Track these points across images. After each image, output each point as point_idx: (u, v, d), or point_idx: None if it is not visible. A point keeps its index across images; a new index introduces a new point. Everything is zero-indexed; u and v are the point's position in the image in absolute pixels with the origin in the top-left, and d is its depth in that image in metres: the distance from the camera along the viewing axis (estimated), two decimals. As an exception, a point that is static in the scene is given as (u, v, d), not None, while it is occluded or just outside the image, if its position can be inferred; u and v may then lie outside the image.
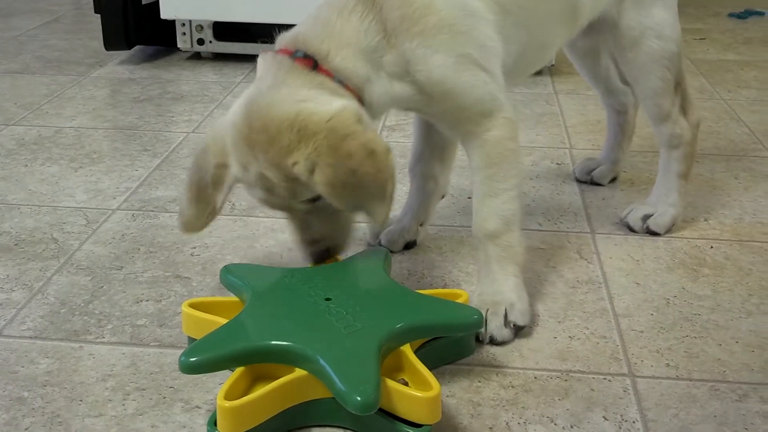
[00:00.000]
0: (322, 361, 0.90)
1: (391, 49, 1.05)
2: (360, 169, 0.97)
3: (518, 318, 1.11)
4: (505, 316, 1.10)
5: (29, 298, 1.21)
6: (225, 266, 1.11)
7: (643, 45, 1.32)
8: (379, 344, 0.93)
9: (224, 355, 0.93)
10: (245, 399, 0.88)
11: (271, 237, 1.40)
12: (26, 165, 1.69)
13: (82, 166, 1.69)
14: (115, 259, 1.32)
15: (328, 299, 1.02)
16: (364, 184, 0.98)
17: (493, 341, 1.10)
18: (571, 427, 0.96)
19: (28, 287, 1.24)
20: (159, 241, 1.38)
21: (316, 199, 1.04)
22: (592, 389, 1.02)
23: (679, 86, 1.37)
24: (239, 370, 0.92)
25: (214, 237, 1.39)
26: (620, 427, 0.96)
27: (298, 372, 0.92)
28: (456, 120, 1.12)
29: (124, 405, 0.98)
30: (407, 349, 0.96)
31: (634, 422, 0.97)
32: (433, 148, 1.31)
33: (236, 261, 1.31)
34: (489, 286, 1.13)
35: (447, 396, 1.00)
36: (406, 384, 0.93)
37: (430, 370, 0.98)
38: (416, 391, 0.89)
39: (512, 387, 1.03)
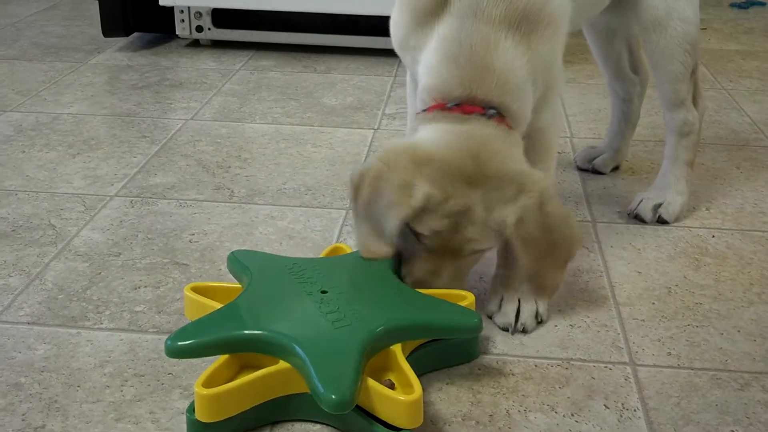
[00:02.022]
0: (303, 355, 0.89)
1: (534, 64, 1.08)
2: (557, 230, 1.06)
3: (544, 312, 1.15)
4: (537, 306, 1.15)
5: (27, 284, 1.20)
6: (232, 252, 1.11)
7: (668, 27, 1.33)
8: (364, 342, 0.91)
9: (208, 342, 0.92)
10: (222, 387, 0.87)
11: (270, 224, 1.39)
12: (24, 151, 1.68)
13: (80, 152, 1.68)
14: (113, 246, 1.31)
15: (324, 291, 1.01)
16: (555, 245, 1.06)
17: (524, 331, 1.12)
18: (572, 415, 0.95)
19: (26, 273, 1.23)
20: (157, 227, 1.37)
21: (476, 251, 1.08)
22: (592, 377, 1.02)
23: (694, 74, 1.38)
24: (223, 357, 0.91)
25: (212, 224, 1.38)
26: (621, 416, 0.95)
27: (282, 365, 0.91)
28: (542, 115, 1.16)
29: (122, 391, 0.98)
30: (397, 349, 0.94)
31: (635, 410, 0.96)
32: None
33: (235, 248, 1.30)
34: None
35: (447, 383, 1.00)
36: (392, 385, 0.91)
37: (428, 372, 0.99)
38: (396, 393, 0.88)
39: (513, 375, 1.02)
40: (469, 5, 1.06)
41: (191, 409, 0.89)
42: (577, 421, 0.94)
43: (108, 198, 1.48)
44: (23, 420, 0.93)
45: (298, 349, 0.90)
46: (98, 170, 1.59)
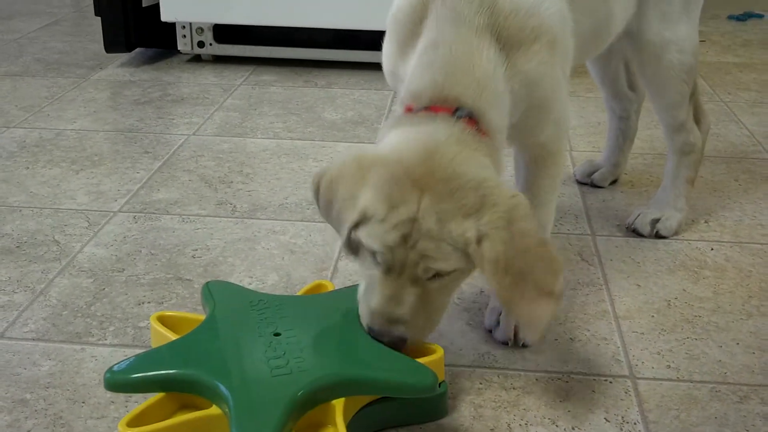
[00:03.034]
0: (231, 402, 0.86)
1: (517, 79, 1.01)
2: (533, 251, 0.91)
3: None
4: None
5: (31, 300, 1.21)
6: (206, 282, 1.08)
7: (663, 59, 1.32)
8: (297, 395, 0.87)
9: (145, 378, 0.90)
10: (146, 428, 0.85)
11: (272, 239, 1.40)
12: (27, 167, 1.69)
13: (84, 168, 1.69)
14: (117, 262, 1.32)
15: (277, 334, 0.96)
16: (533, 270, 0.91)
17: (524, 345, 1.11)
18: (573, 428, 0.96)
19: (30, 289, 1.24)
20: (160, 243, 1.38)
21: (440, 274, 0.93)
22: (593, 391, 1.03)
23: (693, 96, 1.39)
24: (159, 395, 0.90)
25: (215, 239, 1.39)
26: (621, 429, 0.96)
27: (213, 410, 0.88)
28: (541, 133, 1.10)
29: (126, 407, 0.98)
30: (338, 404, 0.89)
31: (635, 424, 0.97)
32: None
33: (237, 263, 1.32)
34: None
35: (449, 397, 1.00)
36: None
37: (382, 428, 0.94)
38: None
39: (514, 389, 1.03)
40: (449, 13, 1.01)
41: None
42: (577, 435, 0.95)
43: (111, 214, 1.49)
44: (29, 436, 0.94)
45: (226, 394, 0.87)
46: (101, 186, 1.60)
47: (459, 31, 0.99)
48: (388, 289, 0.94)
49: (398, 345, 0.95)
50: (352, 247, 0.96)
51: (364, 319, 0.97)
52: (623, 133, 1.59)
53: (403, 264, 0.92)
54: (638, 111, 1.59)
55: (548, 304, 0.92)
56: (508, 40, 1.00)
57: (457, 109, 0.96)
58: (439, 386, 0.95)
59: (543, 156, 1.12)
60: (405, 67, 1.05)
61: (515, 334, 1.11)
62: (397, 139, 0.96)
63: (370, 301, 0.96)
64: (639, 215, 1.43)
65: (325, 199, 0.98)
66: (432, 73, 0.98)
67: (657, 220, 1.41)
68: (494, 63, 0.99)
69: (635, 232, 1.42)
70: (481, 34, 0.99)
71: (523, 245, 0.91)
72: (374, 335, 0.96)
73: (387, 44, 1.12)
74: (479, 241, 0.90)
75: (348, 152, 0.98)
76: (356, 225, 0.92)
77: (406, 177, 0.91)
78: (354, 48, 2.40)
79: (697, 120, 1.42)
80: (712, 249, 1.38)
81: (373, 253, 0.93)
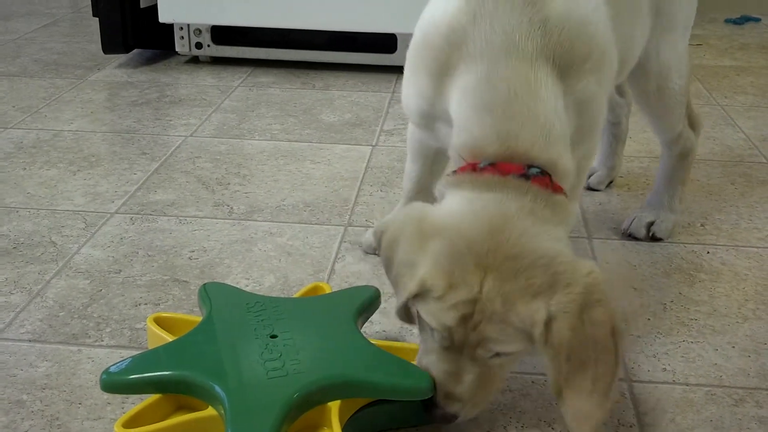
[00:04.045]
0: (226, 404, 0.86)
1: (568, 104, 0.92)
2: (600, 344, 0.83)
3: None
4: None
5: (28, 302, 1.21)
6: (203, 284, 1.08)
7: (667, 88, 1.30)
8: (293, 397, 0.86)
9: (141, 380, 0.90)
10: (142, 429, 0.85)
11: (269, 241, 1.40)
12: (25, 168, 1.69)
13: (81, 169, 1.69)
14: (114, 263, 1.32)
15: (273, 336, 0.96)
16: (596, 363, 0.83)
17: None
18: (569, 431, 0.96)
19: (27, 290, 1.24)
20: (157, 244, 1.38)
21: (502, 354, 0.87)
22: (589, 394, 1.03)
23: (687, 106, 1.39)
24: (155, 396, 0.90)
25: (212, 241, 1.40)
26: (617, 431, 0.96)
27: (209, 411, 0.88)
28: (574, 153, 0.99)
29: (123, 408, 0.98)
30: (333, 407, 0.89)
31: (631, 426, 0.97)
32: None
33: (234, 264, 1.32)
34: None
35: (445, 400, 1.01)
36: None
37: (378, 431, 0.94)
38: None
39: (510, 391, 1.03)
40: (498, 38, 0.89)
41: None
42: (573, 437, 0.95)
43: (108, 215, 1.49)
44: (25, 437, 0.94)
45: (222, 396, 0.87)
46: (98, 187, 1.60)
47: (513, 62, 0.89)
48: (447, 365, 0.88)
49: (449, 420, 0.91)
50: (408, 314, 0.92)
51: (427, 381, 0.89)
52: (616, 137, 1.60)
53: (463, 343, 0.86)
54: (628, 114, 1.59)
55: (602, 404, 0.84)
56: (562, 61, 0.91)
57: (528, 167, 0.87)
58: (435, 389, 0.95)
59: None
60: (444, 104, 0.95)
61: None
62: (460, 206, 0.88)
63: (429, 370, 0.90)
64: (634, 219, 1.43)
65: (386, 257, 0.92)
66: (493, 119, 0.88)
67: (652, 223, 1.42)
68: (554, 95, 0.90)
69: (631, 237, 1.43)
70: (536, 61, 0.89)
71: (592, 335, 0.82)
72: (426, 407, 0.91)
73: (415, 77, 1.00)
74: (547, 323, 0.82)
75: (409, 210, 0.92)
76: (414, 296, 0.86)
77: (468, 254, 0.83)
78: (351, 50, 2.40)
79: (692, 125, 1.42)
80: (708, 252, 1.39)
81: (431, 329, 0.88)
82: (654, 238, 1.41)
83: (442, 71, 0.94)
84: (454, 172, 0.92)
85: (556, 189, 0.88)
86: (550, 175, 0.88)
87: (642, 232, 1.42)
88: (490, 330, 0.84)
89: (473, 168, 0.89)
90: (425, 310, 0.86)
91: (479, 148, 0.89)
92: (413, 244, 0.87)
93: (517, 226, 0.84)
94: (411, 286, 0.85)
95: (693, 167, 1.49)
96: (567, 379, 0.83)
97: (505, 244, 0.83)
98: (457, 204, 0.88)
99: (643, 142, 1.85)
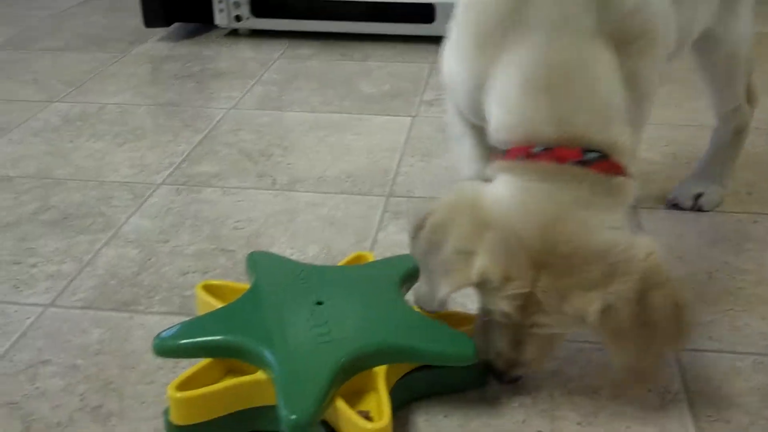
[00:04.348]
0: (275, 368, 0.88)
1: (623, 81, 0.89)
2: (660, 327, 0.83)
3: None
4: None
5: (79, 270, 1.24)
6: (251, 253, 1.10)
7: (736, 57, 1.28)
8: (341, 361, 0.88)
9: (193, 344, 0.92)
10: (195, 392, 0.87)
11: (311, 211, 1.41)
12: (71, 141, 1.72)
13: (126, 141, 1.72)
14: (162, 233, 1.35)
15: (319, 303, 0.97)
16: (654, 343, 0.84)
17: None
18: (615, 398, 0.97)
19: (78, 260, 1.27)
20: (203, 215, 1.40)
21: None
22: (635, 361, 1.03)
23: (748, 79, 1.37)
24: (206, 360, 0.91)
25: (256, 211, 1.41)
26: (664, 399, 0.97)
27: (259, 375, 0.90)
28: None
29: (174, 373, 1.01)
30: (380, 371, 0.90)
31: (677, 394, 0.97)
32: None
33: (278, 235, 1.33)
34: None
35: (491, 367, 1.01)
36: (367, 416, 0.87)
37: (422, 397, 0.96)
38: (361, 420, 0.84)
39: (556, 358, 1.03)
40: (553, 15, 0.85)
41: (168, 411, 0.89)
42: (620, 404, 0.96)
43: (155, 186, 1.51)
44: (81, 400, 0.97)
45: (272, 360, 0.88)
46: (144, 159, 1.63)
47: (570, 37, 0.85)
48: (509, 335, 0.89)
49: (514, 382, 0.95)
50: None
51: (483, 354, 0.92)
52: None
53: (520, 322, 0.87)
54: None
55: (659, 358, 0.87)
56: (618, 36, 0.87)
57: (585, 152, 0.84)
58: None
59: None
60: (484, 73, 0.90)
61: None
62: (513, 197, 0.85)
63: (493, 341, 0.91)
64: (681, 189, 1.42)
65: (429, 241, 0.88)
66: (548, 99, 0.84)
67: (700, 195, 1.40)
68: (611, 72, 0.86)
69: (676, 206, 1.41)
70: (593, 37, 0.85)
71: (651, 319, 0.82)
72: (494, 373, 0.94)
73: (459, 46, 0.96)
74: (604, 311, 0.81)
75: (460, 195, 0.89)
76: (469, 285, 0.86)
77: (522, 251, 0.82)
78: (389, 21, 2.39)
79: (749, 99, 1.40)
80: (755, 221, 1.37)
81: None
82: (700, 210, 1.40)
83: (489, 41, 0.90)
84: (504, 155, 0.88)
85: (617, 170, 0.85)
86: (608, 157, 0.85)
87: (688, 204, 1.40)
88: (544, 319, 0.85)
89: (527, 153, 0.85)
90: (481, 294, 0.88)
91: (533, 131, 0.85)
92: (469, 232, 0.85)
93: (571, 220, 0.82)
94: (471, 275, 0.84)
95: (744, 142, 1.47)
96: (628, 355, 0.85)
97: (558, 241, 0.82)
98: (510, 193, 0.85)
99: (690, 110, 1.83)
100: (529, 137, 0.86)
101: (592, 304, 0.81)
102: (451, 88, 1.03)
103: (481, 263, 0.83)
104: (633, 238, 0.84)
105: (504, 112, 0.88)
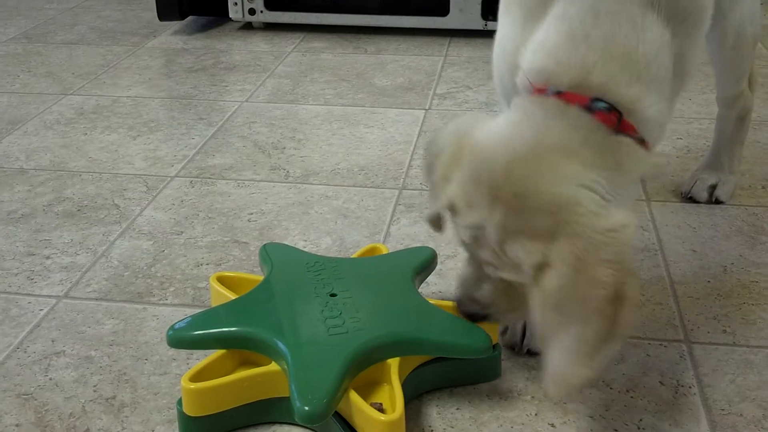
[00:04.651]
0: (288, 359, 0.88)
1: (676, 57, 0.85)
2: (592, 305, 0.76)
3: None
4: None
5: (93, 262, 1.24)
6: (264, 244, 1.10)
7: (743, 36, 1.26)
8: (353, 353, 0.88)
9: (206, 335, 0.92)
10: (208, 383, 0.87)
11: (325, 204, 1.42)
12: (86, 133, 1.73)
13: (140, 134, 1.72)
14: (175, 225, 1.35)
15: (333, 294, 0.98)
16: (585, 323, 0.76)
17: None
18: (627, 391, 0.96)
19: (92, 251, 1.27)
20: (217, 207, 1.41)
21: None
22: (648, 354, 1.03)
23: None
24: (220, 351, 0.92)
25: (269, 203, 1.42)
26: (676, 392, 0.96)
27: (272, 366, 0.90)
28: None
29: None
30: (393, 363, 0.90)
31: (690, 387, 0.97)
32: None
33: (291, 227, 1.34)
34: None
35: (503, 359, 1.01)
36: (380, 408, 0.87)
37: (435, 389, 0.96)
38: (374, 411, 0.84)
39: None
40: None
41: (181, 402, 0.89)
42: (632, 397, 0.95)
43: (169, 178, 1.52)
44: (95, 391, 0.97)
45: (285, 352, 0.88)
46: (158, 151, 1.63)
47: (623, 3, 0.82)
48: (471, 270, 0.90)
49: (475, 319, 0.93)
50: (438, 222, 0.96)
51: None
52: None
53: (475, 255, 0.87)
54: None
55: (582, 369, 0.76)
56: (668, 12, 0.83)
57: (595, 100, 0.80)
58: (494, 348, 0.96)
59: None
60: (535, 35, 0.86)
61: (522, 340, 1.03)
62: (502, 128, 0.83)
63: (462, 274, 0.92)
64: (696, 182, 1.41)
65: (429, 162, 0.91)
66: (582, 48, 0.81)
67: (715, 186, 1.40)
68: (660, 41, 0.82)
69: (692, 200, 1.41)
70: (647, 7, 0.82)
71: (586, 293, 0.76)
72: (461, 313, 0.94)
73: (506, 19, 0.93)
74: (540, 267, 0.77)
75: (459, 123, 0.88)
76: (441, 210, 0.89)
77: (486, 180, 0.80)
78: (403, 14, 2.39)
79: (750, 84, 1.40)
80: (770, 215, 1.37)
81: None
82: (716, 201, 1.39)
83: (531, 13, 0.87)
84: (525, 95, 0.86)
85: (626, 129, 0.80)
86: (620, 113, 0.80)
87: (704, 196, 1.40)
88: (487, 255, 0.83)
89: (540, 92, 0.83)
90: (451, 224, 0.87)
91: (555, 74, 0.82)
92: (452, 158, 0.85)
93: (541, 162, 0.78)
94: (443, 200, 0.85)
95: (753, 129, 1.46)
96: (551, 330, 0.78)
97: (519, 179, 0.78)
98: (502, 125, 0.83)
99: (702, 103, 1.82)
100: (550, 80, 0.82)
101: (530, 255, 0.78)
102: (497, 81, 1.00)
103: (450, 189, 0.84)
104: (606, 206, 0.77)
105: (536, 57, 0.85)
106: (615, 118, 0.79)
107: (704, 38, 0.95)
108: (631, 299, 0.76)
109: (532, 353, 1.01)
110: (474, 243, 0.84)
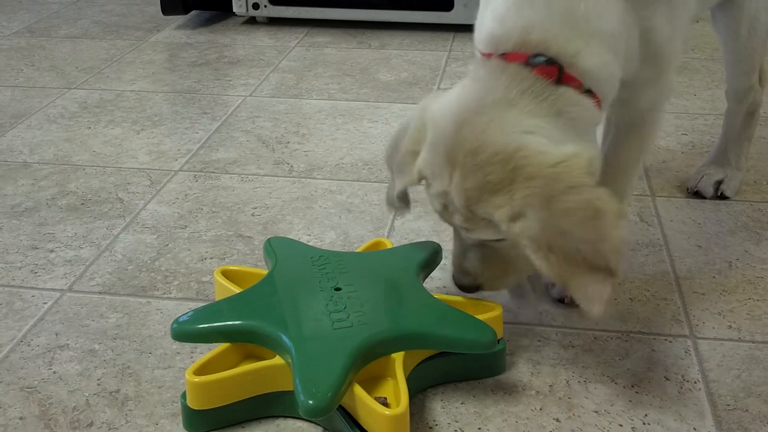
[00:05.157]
0: (293, 353, 0.87)
1: (637, 21, 0.87)
2: (575, 233, 0.79)
3: None
4: None
5: (97, 255, 1.24)
6: (269, 238, 1.10)
7: (757, 23, 1.26)
8: (358, 348, 0.88)
9: (210, 329, 0.92)
10: (212, 377, 0.87)
11: (329, 198, 1.41)
12: (89, 127, 1.73)
13: (144, 128, 1.72)
14: (179, 219, 1.35)
15: (338, 289, 0.98)
16: (582, 247, 0.79)
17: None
18: (632, 386, 0.96)
19: (96, 245, 1.27)
20: (221, 201, 1.41)
21: (484, 240, 0.89)
22: (653, 350, 1.02)
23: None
24: (224, 345, 0.92)
25: (273, 198, 1.41)
26: (682, 387, 0.96)
27: (276, 360, 0.90)
28: (647, 91, 0.97)
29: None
30: (398, 357, 0.90)
31: (695, 383, 0.97)
32: None
33: (295, 221, 1.33)
34: None
35: (507, 354, 1.01)
36: (385, 402, 0.87)
37: (439, 383, 0.96)
38: (378, 405, 0.84)
39: (572, 347, 1.03)
40: None
41: (185, 395, 0.89)
42: (637, 392, 0.95)
43: (172, 173, 1.52)
44: (99, 384, 0.97)
45: (289, 345, 0.88)
46: (162, 146, 1.63)
47: None
48: (457, 243, 0.94)
49: (471, 290, 0.96)
50: (406, 199, 0.98)
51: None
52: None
53: (454, 225, 0.90)
54: None
55: (604, 281, 0.79)
56: None
57: (533, 56, 0.83)
58: (498, 343, 0.96)
59: (637, 124, 1.00)
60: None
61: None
62: (454, 94, 0.87)
63: (453, 247, 0.95)
64: (702, 177, 1.41)
65: (392, 142, 0.93)
66: (529, 12, 0.83)
67: (721, 182, 1.39)
68: (613, 9, 0.84)
69: (698, 195, 1.40)
70: None
71: (567, 224, 0.79)
72: (457, 284, 0.97)
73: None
74: (513, 219, 0.80)
75: (425, 99, 0.92)
76: (413, 184, 0.91)
77: (441, 147, 0.83)
78: (408, 9, 2.39)
79: (761, 79, 1.39)
80: (775, 210, 1.36)
81: None
82: (722, 197, 1.39)
83: None
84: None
85: (567, 80, 0.83)
86: (563, 68, 0.83)
87: (710, 191, 1.39)
88: (460, 220, 0.86)
89: (488, 57, 0.86)
90: (427, 196, 0.90)
91: (498, 39, 0.85)
92: (417, 132, 0.88)
93: (484, 117, 0.81)
94: (414, 173, 0.88)
95: (759, 125, 1.45)
96: (559, 268, 0.80)
97: (467, 138, 0.81)
98: (453, 92, 0.87)
99: (707, 99, 1.81)
100: (497, 45, 0.85)
101: (499, 209, 0.80)
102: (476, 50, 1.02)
103: (418, 161, 0.86)
104: (550, 144, 0.80)
105: (486, 26, 0.88)
106: (555, 71, 0.82)
107: (686, 21, 0.95)
108: (610, 211, 0.79)
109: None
110: (446, 211, 0.87)
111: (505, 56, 0.84)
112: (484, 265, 0.92)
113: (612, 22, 0.85)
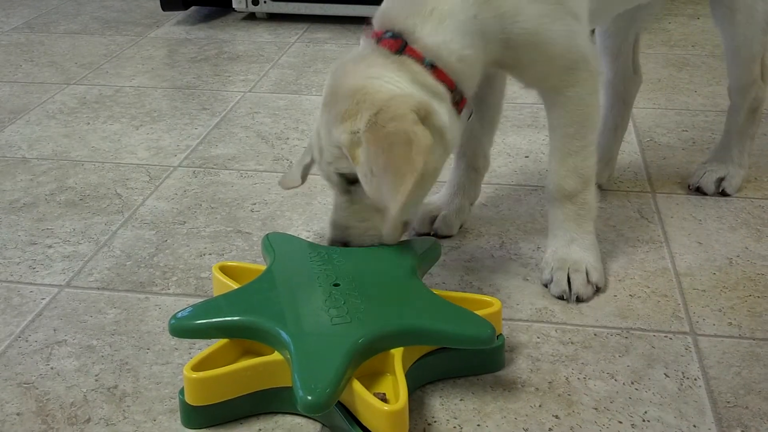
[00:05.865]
0: (291, 349, 0.87)
1: (485, 6, 1.00)
2: (390, 154, 0.95)
3: (599, 279, 1.12)
4: (587, 274, 1.11)
5: (96, 251, 1.24)
6: (267, 234, 1.10)
7: (755, 11, 1.27)
8: (357, 343, 0.87)
9: (208, 324, 0.92)
10: (210, 373, 0.87)
11: (327, 194, 1.41)
12: (88, 123, 1.72)
13: (143, 124, 1.72)
14: (178, 215, 1.35)
15: (336, 284, 0.97)
16: (388, 172, 0.95)
17: (579, 300, 1.10)
18: (632, 383, 0.96)
19: (95, 240, 1.27)
20: (220, 197, 1.40)
21: (354, 181, 1.02)
22: (652, 347, 1.02)
23: (763, 57, 1.35)
24: (222, 341, 0.91)
25: (273, 194, 1.41)
26: (681, 384, 0.96)
27: (275, 356, 0.89)
28: (541, 74, 1.07)
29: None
30: (397, 353, 0.90)
31: (695, 379, 0.96)
32: (483, 125, 1.25)
33: (295, 217, 1.33)
34: (565, 246, 1.13)
35: (506, 350, 1.01)
36: (383, 398, 0.87)
37: (438, 379, 0.96)
38: (377, 401, 0.84)
39: (572, 343, 1.03)
40: None
41: (183, 391, 0.89)
42: (637, 389, 0.95)
43: (171, 168, 1.51)
44: (96, 380, 0.97)
45: (288, 341, 0.88)
46: (161, 141, 1.63)
47: None
48: (334, 199, 1.08)
49: (337, 244, 1.07)
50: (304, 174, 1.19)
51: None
52: (623, 119, 1.43)
53: (328, 173, 1.04)
54: (635, 95, 1.44)
55: (394, 205, 0.95)
56: None
57: (384, 32, 1.02)
58: (497, 339, 0.95)
59: (561, 101, 1.08)
60: None
61: (570, 288, 1.10)
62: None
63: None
64: (704, 174, 1.40)
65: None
66: (397, 3, 1.04)
67: (722, 179, 1.39)
68: (462, 5, 1.00)
69: (699, 192, 1.40)
70: None
71: (384, 146, 0.95)
72: (328, 242, 1.09)
73: None
74: (356, 146, 0.97)
75: None
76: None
77: (323, 96, 1.04)
78: (408, 5, 2.38)
79: (763, 75, 1.38)
80: (776, 207, 1.36)
81: None
82: (722, 194, 1.38)
83: None
84: None
85: (409, 52, 1.00)
86: (404, 41, 1.01)
87: (711, 188, 1.39)
88: (327, 156, 1.02)
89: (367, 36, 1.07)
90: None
91: (377, 21, 1.05)
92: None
93: (341, 70, 1.02)
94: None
95: (761, 121, 1.45)
96: (377, 191, 0.96)
97: (330, 86, 1.02)
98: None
99: (708, 95, 1.81)
100: (375, 26, 1.05)
101: (342, 134, 0.98)
102: None
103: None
104: (386, 86, 0.98)
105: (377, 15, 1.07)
106: (398, 44, 1.01)
107: (562, 18, 1.03)
108: (419, 143, 0.95)
109: (581, 299, 1.10)
110: (321, 155, 1.04)
111: (371, 34, 1.05)
112: (352, 220, 1.06)
113: (455, 7, 1.00)
